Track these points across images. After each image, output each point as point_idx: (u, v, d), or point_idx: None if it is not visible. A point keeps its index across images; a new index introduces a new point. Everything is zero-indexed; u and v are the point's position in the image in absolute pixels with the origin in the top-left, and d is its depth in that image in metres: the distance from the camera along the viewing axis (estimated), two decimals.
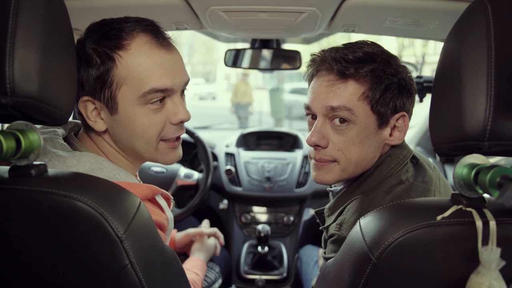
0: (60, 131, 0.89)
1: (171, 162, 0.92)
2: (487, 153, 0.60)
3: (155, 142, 0.86)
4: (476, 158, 0.58)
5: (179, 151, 0.93)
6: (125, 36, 0.80)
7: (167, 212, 0.89)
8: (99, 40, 0.81)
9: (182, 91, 0.90)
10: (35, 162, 0.61)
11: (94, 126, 0.85)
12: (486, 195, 0.59)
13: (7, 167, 0.61)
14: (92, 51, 0.80)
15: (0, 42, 0.54)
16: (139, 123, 0.83)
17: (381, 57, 0.90)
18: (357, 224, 0.67)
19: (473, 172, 0.56)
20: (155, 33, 0.83)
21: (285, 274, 1.91)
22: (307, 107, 0.96)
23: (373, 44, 0.93)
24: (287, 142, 2.45)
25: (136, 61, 0.80)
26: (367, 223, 0.65)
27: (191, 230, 1.51)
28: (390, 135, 0.94)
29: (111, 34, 0.80)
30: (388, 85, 0.89)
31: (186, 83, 0.89)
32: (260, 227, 1.86)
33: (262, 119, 9.67)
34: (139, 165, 0.95)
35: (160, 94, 0.82)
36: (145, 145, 0.86)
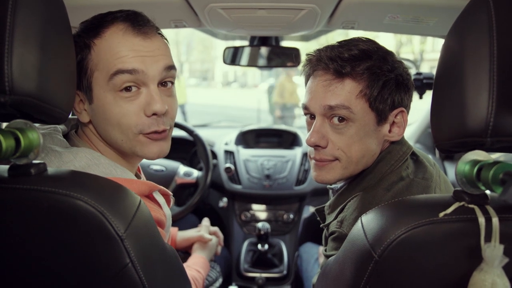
0: (61, 127, 0.89)
1: (151, 156, 0.85)
2: (489, 149, 0.59)
3: (132, 134, 0.82)
4: (478, 155, 0.58)
5: (162, 145, 0.86)
6: (105, 24, 0.80)
7: (165, 209, 0.88)
8: (82, 31, 0.81)
9: (166, 83, 0.85)
10: (34, 161, 0.61)
11: (80, 118, 0.84)
12: (488, 192, 0.58)
13: (7, 166, 0.61)
14: (75, 42, 0.80)
15: None
16: (110, 111, 0.80)
17: (377, 53, 0.90)
18: (359, 221, 0.67)
19: (475, 169, 0.56)
20: (133, 21, 0.81)
21: (285, 272, 1.91)
22: (305, 107, 0.96)
23: (368, 40, 0.92)
24: (286, 139, 2.44)
25: (107, 46, 0.79)
26: (369, 221, 0.64)
27: (191, 234, 1.48)
28: (389, 131, 0.94)
29: (94, 23, 0.81)
30: (386, 82, 0.89)
31: (167, 69, 0.83)
32: (260, 225, 1.86)
33: (260, 117, 9.66)
34: (130, 160, 0.90)
35: (128, 76, 0.78)
36: (121, 136, 0.82)
